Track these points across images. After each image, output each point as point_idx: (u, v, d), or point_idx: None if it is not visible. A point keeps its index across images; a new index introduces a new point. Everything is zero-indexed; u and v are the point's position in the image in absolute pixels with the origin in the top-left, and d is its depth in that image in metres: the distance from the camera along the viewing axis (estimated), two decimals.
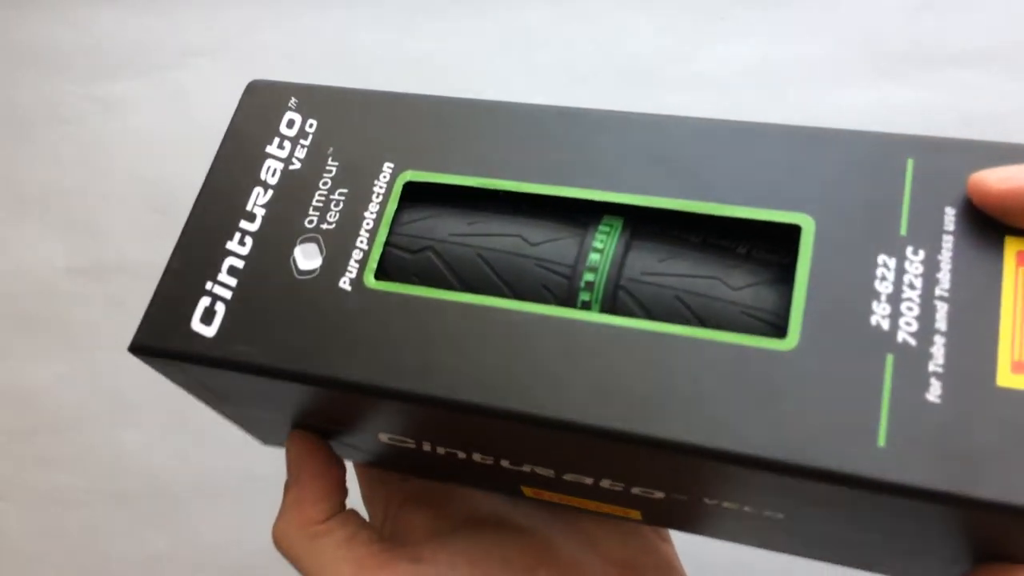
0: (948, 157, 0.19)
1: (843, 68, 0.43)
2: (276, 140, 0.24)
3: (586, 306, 0.20)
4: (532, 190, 0.21)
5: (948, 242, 0.18)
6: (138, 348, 0.22)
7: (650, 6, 0.44)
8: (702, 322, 0.19)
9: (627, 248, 0.21)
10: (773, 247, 0.20)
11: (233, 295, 0.22)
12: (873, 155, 0.19)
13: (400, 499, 0.27)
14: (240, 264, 0.22)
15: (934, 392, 0.17)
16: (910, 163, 0.19)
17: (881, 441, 0.17)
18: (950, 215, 0.18)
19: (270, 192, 0.23)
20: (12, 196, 0.46)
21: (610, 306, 0.20)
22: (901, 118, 0.42)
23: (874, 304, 0.18)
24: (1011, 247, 0.18)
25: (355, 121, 0.23)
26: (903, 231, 0.18)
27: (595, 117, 0.22)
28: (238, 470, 0.44)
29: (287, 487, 0.25)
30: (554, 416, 0.19)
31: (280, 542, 0.24)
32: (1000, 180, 0.17)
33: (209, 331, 0.21)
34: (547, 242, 0.21)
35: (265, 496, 0.45)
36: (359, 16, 0.45)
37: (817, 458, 0.17)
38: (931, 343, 0.17)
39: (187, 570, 0.44)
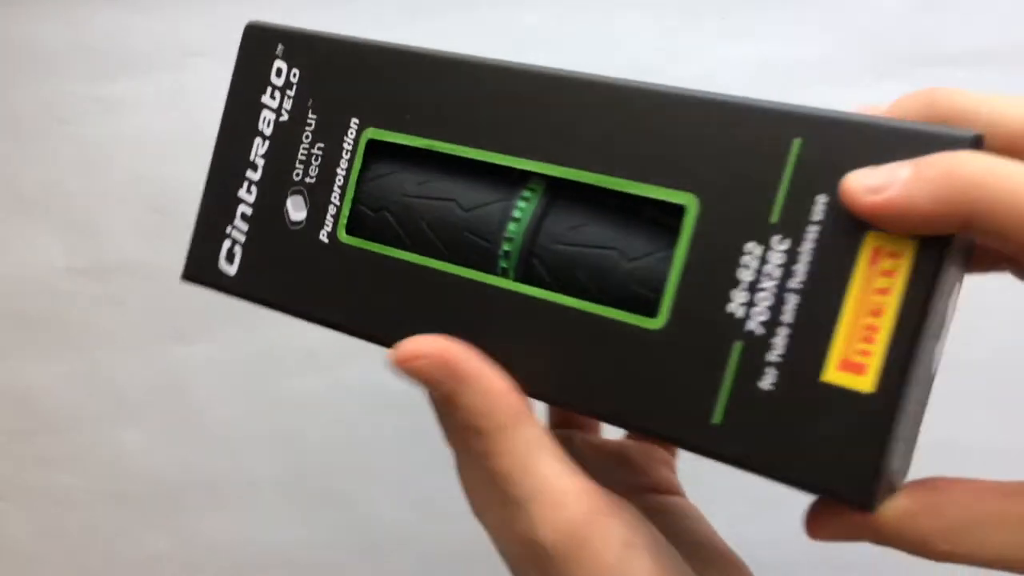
0: (836, 139, 0.18)
1: (843, 68, 0.43)
2: (268, 90, 0.25)
3: (504, 273, 0.22)
4: (468, 154, 0.22)
5: (812, 232, 0.18)
6: (189, 278, 0.26)
7: (650, 6, 0.44)
8: (598, 292, 0.21)
9: (544, 214, 0.22)
10: (676, 215, 0.20)
11: (246, 239, 0.25)
12: (764, 132, 0.19)
13: None
14: (249, 211, 0.25)
15: (768, 381, 0.18)
16: (796, 144, 0.18)
17: (717, 419, 0.19)
18: (820, 204, 0.18)
19: (267, 143, 0.25)
20: (12, 196, 0.46)
21: (524, 273, 0.22)
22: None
23: (733, 292, 0.19)
24: (869, 244, 0.17)
25: (331, 73, 0.24)
26: (774, 218, 0.18)
27: (547, 78, 0.22)
28: (239, 471, 0.44)
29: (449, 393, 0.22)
30: None
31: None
32: (869, 191, 0.17)
33: (232, 269, 0.25)
34: (476, 207, 0.22)
35: (265, 496, 0.46)
36: (359, 16, 0.45)
37: (659, 427, 0.19)
38: (775, 334, 0.18)
39: (187, 570, 0.44)
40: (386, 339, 0.22)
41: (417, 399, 0.27)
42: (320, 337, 0.45)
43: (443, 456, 0.41)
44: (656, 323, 0.20)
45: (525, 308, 0.21)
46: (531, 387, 0.21)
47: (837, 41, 0.43)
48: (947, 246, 0.17)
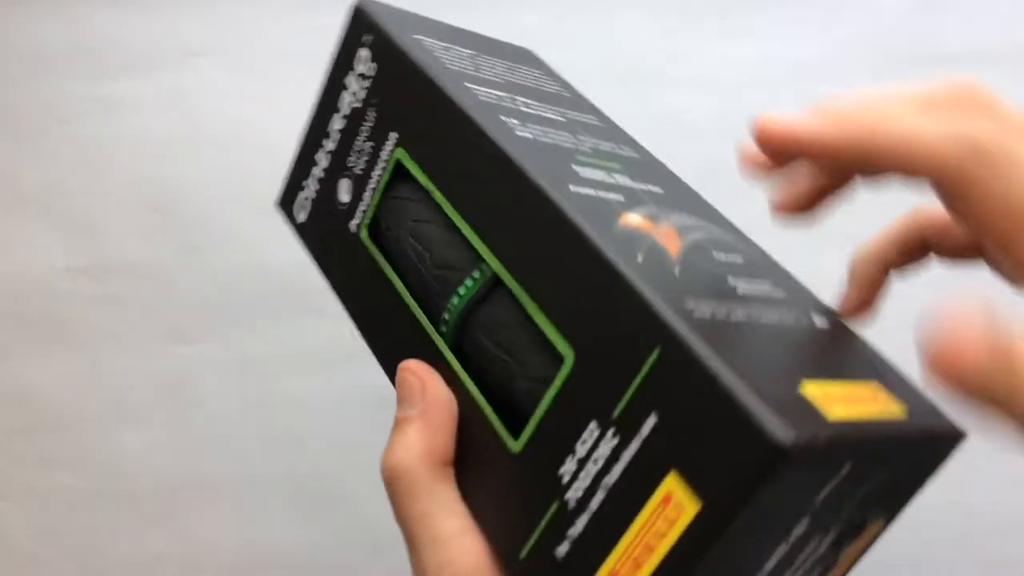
0: (681, 370, 0.17)
1: (843, 68, 0.43)
2: (351, 75, 0.26)
3: (443, 335, 0.23)
4: (449, 213, 0.23)
5: (635, 445, 0.18)
6: (281, 206, 0.29)
7: (650, 6, 0.44)
8: (501, 392, 0.22)
9: (482, 299, 0.23)
10: None
11: (314, 198, 0.27)
12: (639, 324, 0.18)
13: None
14: (320, 174, 0.27)
15: (562, 550, 0.19)
16: (654, 354, 0.18)
17: (523, 555, 0.20)
18: (650, 423, 0.18)
19: (342, 121, 0.26)
20: (12, 196, 0.46)
21: (456, 342, 0.23)
22: None
23: (568, 457, 0.19)
24: (664, 487, 0.17)
25: (397, 83, 0.25)
26: (616, 412, 0.18)
27: (518, 175, 0.21)
28: (238, 470, 0.44)
29: (406, 417, 0.23)
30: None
31: (396, 472, 0.23)
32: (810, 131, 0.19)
33: (302, 216, 0.28)
34: (442, 268, 0.24)
35: (265, 496, 0.46)
36: None
37: (489, 531, 0.21)
38: (581, 513, 0.19)
39: (187, 570, 0.44)
40: (370, 344, 0.25)
41: None
42: (320, 337, 0.45)
43: None
44: (516, 446, 0.21)
45: (447, 372, 0.23)
46: None
47: (837, 41, 0.43)
48: (731, 519, 0.16)
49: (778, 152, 0.20)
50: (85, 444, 0.44)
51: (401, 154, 0.24)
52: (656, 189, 0.24)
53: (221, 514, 0.44)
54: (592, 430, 0.19)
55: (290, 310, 0.44)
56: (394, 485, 0.23)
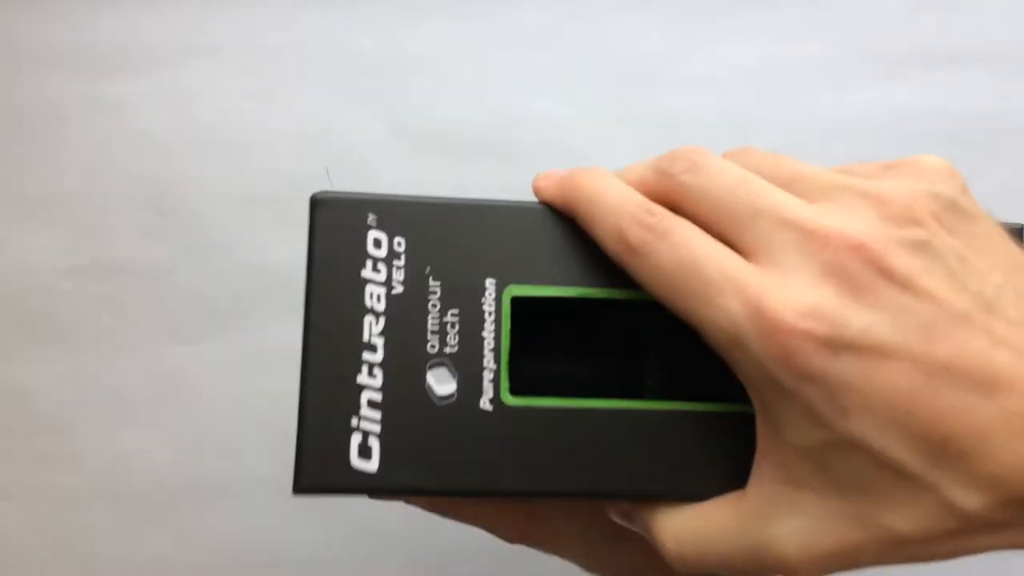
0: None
1: (843, 68, 0.42)
2: (369, 263, 0.23)
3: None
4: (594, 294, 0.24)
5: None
6: (304, 489, 0.23)
7: (650, 6, 0.44)
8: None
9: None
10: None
11: (382, 428, 0.23)
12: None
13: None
14: (378, 397, 0.23)
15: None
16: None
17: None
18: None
19: (382, 320, 0.23)
20: (12, 196, 0.46)
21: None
22: (901, 118, 0.42)
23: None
24: None
25: (445, 236, 0.23)
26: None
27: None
28: (239, 471, 0.44)
29: None
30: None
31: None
32: (539, 177, 0.25)
33: (371, 465, 0.23)
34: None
35: (265, 497, 0.46)
36: (359, 16, 0.45)
37: None
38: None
39: (187, 570, 0.44)
40: (582, 490, 0.23)
41: None
42: None
43: None
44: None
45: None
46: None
47: (837, 41, 0.43)
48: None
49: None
50: (85, 444, 0.44)
51: (515, 291, 0.23)
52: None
53: (221, 514, 0.44)
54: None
55: (290, 310, 0.44)
56: None
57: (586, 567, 0.30)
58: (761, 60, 0.43)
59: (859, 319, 0.19)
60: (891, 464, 0.19)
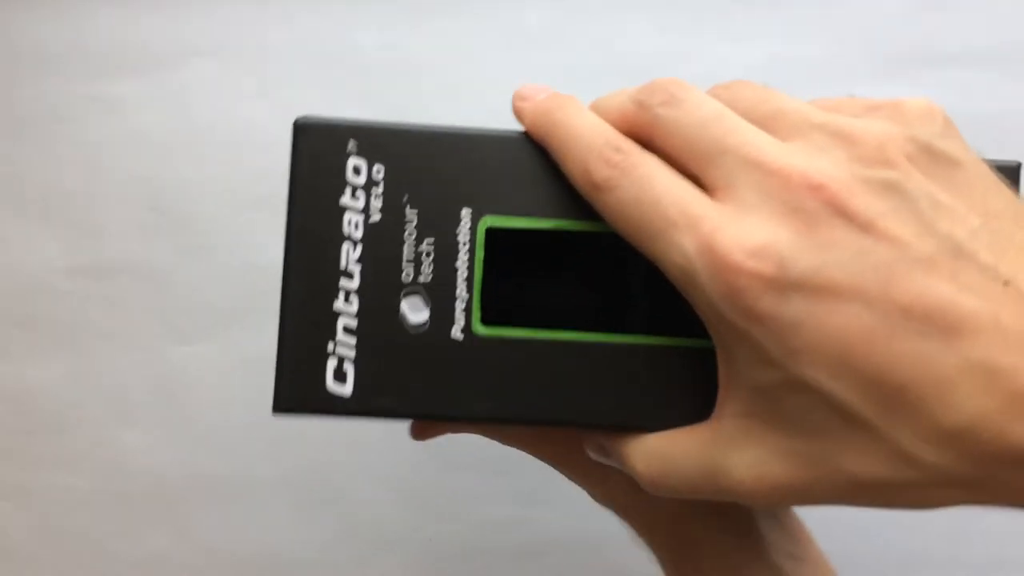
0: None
1: (843, 68, 0.42)
2: (348, 190, 0.24)
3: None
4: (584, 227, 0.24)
5: None
6: (285, 410, 0.23)
7: (650, 6, 0.44)
8: None
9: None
10: None
11: (357, 353, 0.23)
12: None
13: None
14: (353, 323, 0.23)
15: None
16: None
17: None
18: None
19: (359, 247, 0.23)
20: (12, 196, 0.46)
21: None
22: None
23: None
24: None
25: (425, 165, 0.23)
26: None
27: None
28: (238, 470, 0.44)
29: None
30: None
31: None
32: (517, 97, 0.25)
33: (346, 388, 0.23)
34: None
35: (265, 497, 0.46)
36: (359, 16, 0.45)
37: None
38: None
39: (187, 570, 0.44)
40: (550, 419, 0.24)
41: None
42: None
43: (443, 456, 0.41)
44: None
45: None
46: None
47: (837, 41, 0.43)
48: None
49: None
50: (85, 444, 0.44)
51: (490, 221, 0.23)
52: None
53: (221, 514, 0.44)
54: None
55: None
56: None
57: (611, 504, 0.30)
58: (762, 60, 0.43)
59: (810, 259, 0.19)
60: (840, 407, 0.19)
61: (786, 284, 0.19)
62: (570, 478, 0.30)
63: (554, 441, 0.29)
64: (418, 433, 0.28)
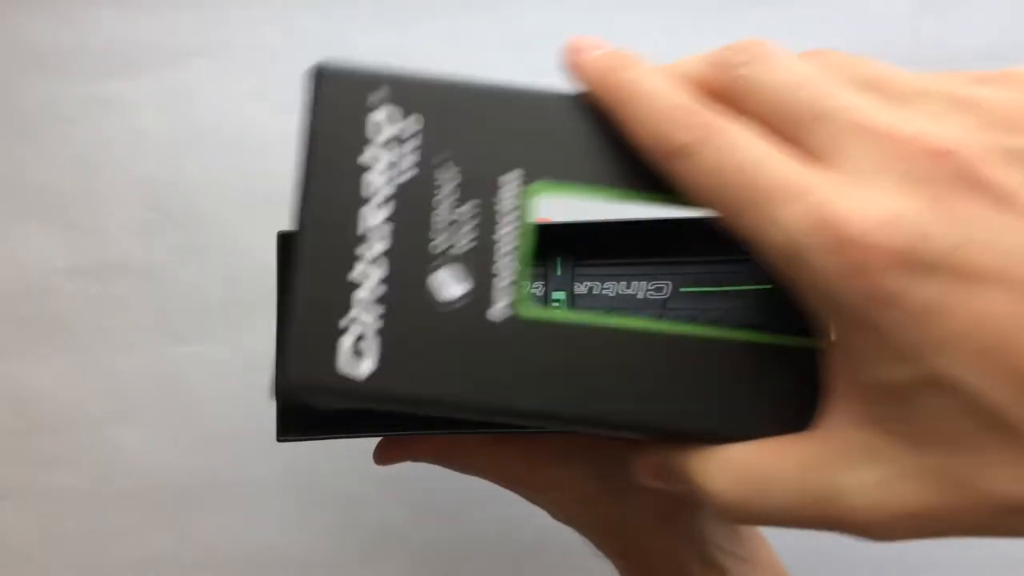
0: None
1: None
2: (368, 149, 0.20)
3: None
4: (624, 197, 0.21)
5: None
6: (292, 392, 0.20)
7: (650, 6, 0.44)
8: None
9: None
10: None
11: (379, 327, 0.20)
12: None
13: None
14: (369, 296, 0.20)
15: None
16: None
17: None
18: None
19: (386, 208, 0.20)
20: (12, 196, 0.46)
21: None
22: None
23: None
24: None
25: (468, 121, 0.21)
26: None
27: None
28: (238, 470, 0.44)
29: None
30: None
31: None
32: (573, 50, 0.22)
33: (363, 368, 0.19)
34: None
35: (265, 496, 0.46)
36: (359, 16, 0.45)
37: None
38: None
39: (187, 570, 0.44)
40: (609, 422, 0.20)
41: None
42: None
43: None
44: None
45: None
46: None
47: (838, 41, 0.43)
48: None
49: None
50: (85, 444, 0.44)
51: (540, 188, 0.20)
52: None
53: (221, 514, 0.44)
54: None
55: None
56: None
57: (567, 519, 0.30)
58: None
59: (948, 236, 0.16)
60: (987, 411, 0.16)
61: (921, 263, 0.16)
62: (526, 497, 0.30)
63: (509, 464, 0.29)
64: (382, 456, 0.28)
